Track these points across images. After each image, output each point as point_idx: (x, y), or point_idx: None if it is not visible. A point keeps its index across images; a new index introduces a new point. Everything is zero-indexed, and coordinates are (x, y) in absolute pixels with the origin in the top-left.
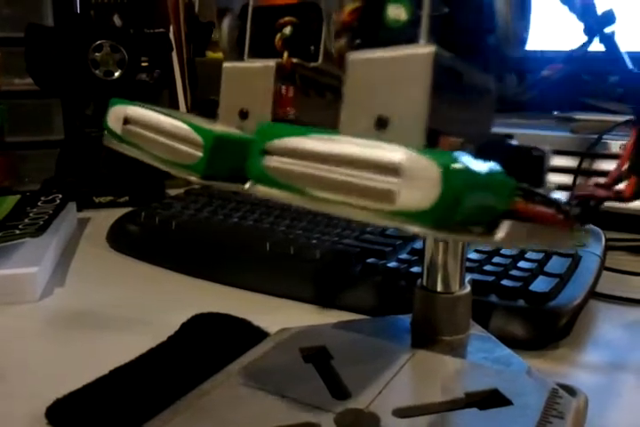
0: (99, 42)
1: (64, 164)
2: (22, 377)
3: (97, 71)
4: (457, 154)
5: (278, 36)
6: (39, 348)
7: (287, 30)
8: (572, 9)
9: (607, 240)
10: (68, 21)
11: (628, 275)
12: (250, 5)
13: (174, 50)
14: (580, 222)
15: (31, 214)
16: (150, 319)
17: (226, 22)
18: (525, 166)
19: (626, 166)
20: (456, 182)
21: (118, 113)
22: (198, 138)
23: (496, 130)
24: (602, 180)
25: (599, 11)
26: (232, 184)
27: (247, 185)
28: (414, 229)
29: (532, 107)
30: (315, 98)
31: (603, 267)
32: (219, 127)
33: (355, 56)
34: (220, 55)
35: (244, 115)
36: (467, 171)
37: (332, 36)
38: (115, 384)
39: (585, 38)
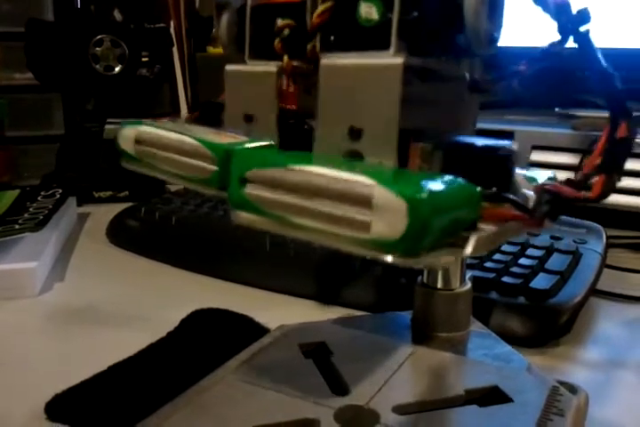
0: (99, 36)
1: (64, 158)
2: (21, 372)
3: (97, 66)
4: (423, 182)
5: (277, 40)
6: (38, 343)
7: (285, 32)
8: (545, 9)
9: (608, 237)
10: (69, 16)
11: (628, 272)
12: (248, 5)
13: (175, 45)
14: (549, 219)
15: (31, 209)
16: (150, 315)
17: (225, 17)
18: (492, 167)
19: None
20: (422, 211)
21: (129, 134)
22: (209, 152)
23: (497, 127)
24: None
25: (574, 9)
26: None
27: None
28: (387, 258)
29: (532, 103)
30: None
31: (603, 264)
32: (226, 139)
33: (327, 61)
34: (220, 50)
35: (249, 118)
36: (431, 198)
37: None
38: (114, 380)
39: (559, 36)
